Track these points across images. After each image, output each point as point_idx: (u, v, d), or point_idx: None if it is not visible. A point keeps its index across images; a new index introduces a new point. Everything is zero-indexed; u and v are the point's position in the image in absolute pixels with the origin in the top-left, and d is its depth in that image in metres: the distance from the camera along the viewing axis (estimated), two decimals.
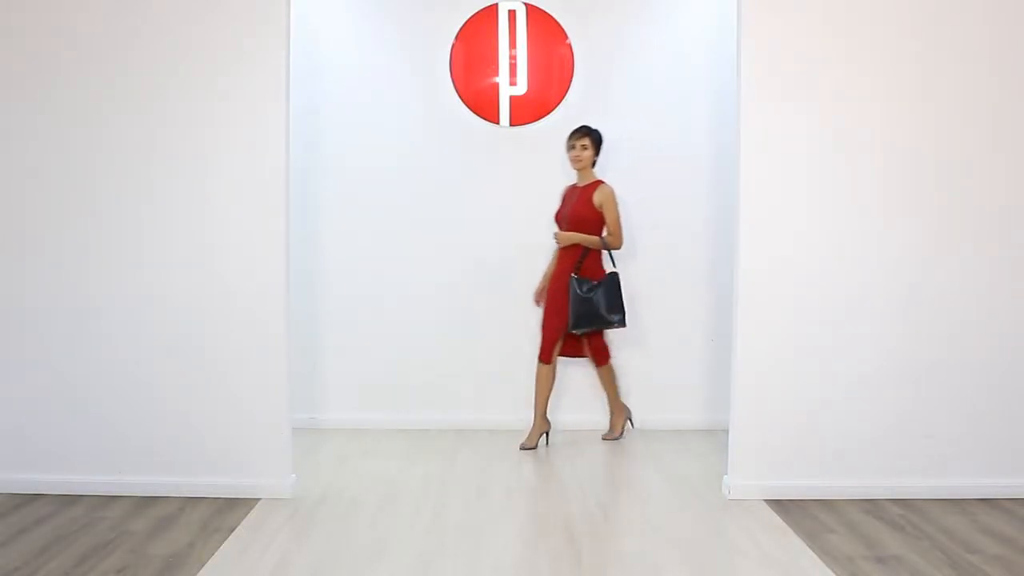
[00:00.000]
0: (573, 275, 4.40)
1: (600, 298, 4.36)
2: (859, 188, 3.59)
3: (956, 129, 3.59)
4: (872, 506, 3.52)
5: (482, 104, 4.83)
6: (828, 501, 3.56)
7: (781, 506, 3.51)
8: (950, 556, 3.00)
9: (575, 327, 4.38)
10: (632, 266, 4.77)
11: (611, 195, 4.42)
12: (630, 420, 4.73)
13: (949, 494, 3.60)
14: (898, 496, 3.59)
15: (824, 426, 3.62)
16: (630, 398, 4.80)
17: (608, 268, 4.46)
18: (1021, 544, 3.13)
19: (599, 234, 4.45)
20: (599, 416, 4.81)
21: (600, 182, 4.46)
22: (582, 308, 4.35)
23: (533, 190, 4.79)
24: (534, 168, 4.83)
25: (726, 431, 3.73)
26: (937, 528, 3.28)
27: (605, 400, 4.70)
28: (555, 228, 4.52)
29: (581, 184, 4.51)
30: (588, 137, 4.46)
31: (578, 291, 4.36)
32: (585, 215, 4.43)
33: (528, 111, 4.85)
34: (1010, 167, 3.60)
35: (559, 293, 4.46)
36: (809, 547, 3.08)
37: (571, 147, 4.47)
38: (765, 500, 3.58)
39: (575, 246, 4.44)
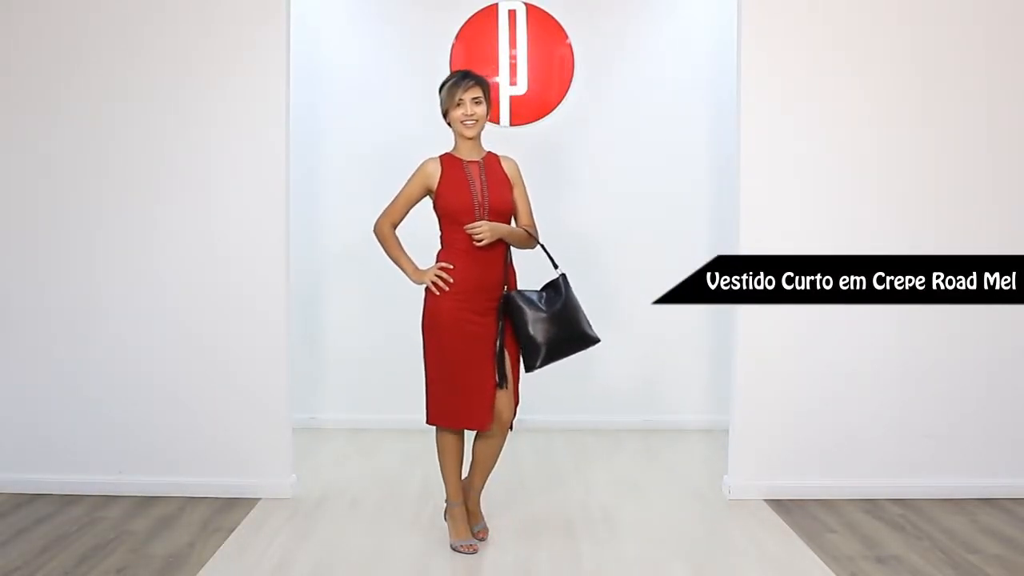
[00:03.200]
0: (513, 292, 3.04)
1: (571, 307, 2.99)
2: (859, 188, 3.59)
3: (956, 130, 3.59)
4: (872, 506, 3.52)
5: None
6: (828, 501, 3.56)
7: (781, 506, 3.51)
8: (950, 556, 3.00)
9: (543, 362, 2.99)
10: (630, 265, 4.77)
11: (519, 170, 3.17)
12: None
13: (949, 494, 3.60)
14: (898, 496, 3.59)
15: (824, 426, 3.62)
16: (631, 397, 4.81)
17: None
18: (1021, 544, 3.13)
19: None
20: (599, 414, 4.81)
21: (496, 154, 3.18)
22: (553, 332, 2.96)
23: (533, 190, 4.76)
24: (534, 168, 4.80)
25: (726, 431, 3.73)
26: (937, 528, 3.28)
27: (471, 485, 3.24)
28: (472, 219, 3.06)
29: (475, 157, 3.11)
30: (480, 87, 3.07)
31: (542, 309, 2.98)
32: (509, 201, 3.09)
33: (528, 111, 4.83)
34: (1010, 167, 3.60)
35: (476, 331, 2.97)
36: (809, 547, 3.09)
37: (458, 103, 3.04)
38: (765, 500, 3.58)
39: (485, 250, 3.02)
